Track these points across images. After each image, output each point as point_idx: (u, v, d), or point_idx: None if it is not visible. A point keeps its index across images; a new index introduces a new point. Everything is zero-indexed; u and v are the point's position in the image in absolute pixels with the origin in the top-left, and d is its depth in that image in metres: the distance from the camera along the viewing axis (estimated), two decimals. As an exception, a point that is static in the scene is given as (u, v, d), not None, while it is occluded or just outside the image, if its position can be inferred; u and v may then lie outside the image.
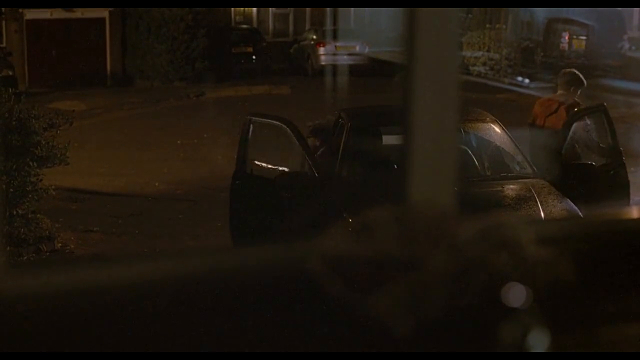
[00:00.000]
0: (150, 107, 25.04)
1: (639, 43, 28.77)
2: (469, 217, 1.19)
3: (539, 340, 1.12)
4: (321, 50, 31.37)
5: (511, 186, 9.16)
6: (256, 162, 9.34)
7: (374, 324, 1.10)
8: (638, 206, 1.45)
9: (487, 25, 30.62)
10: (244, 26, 33.98)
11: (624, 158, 9.57)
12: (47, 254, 10.37)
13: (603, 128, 9.57)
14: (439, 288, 1.10)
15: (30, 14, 28.47)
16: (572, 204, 8.93)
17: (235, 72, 29.50)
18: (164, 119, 22.62)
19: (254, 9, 35.38)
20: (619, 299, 1.27)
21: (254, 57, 31.21)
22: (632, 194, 9.54)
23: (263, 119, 9.59)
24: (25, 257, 10.15)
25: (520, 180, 9.28)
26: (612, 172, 9.52)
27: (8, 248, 10.02)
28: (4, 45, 28.15)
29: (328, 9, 34.16)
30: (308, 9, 35.72)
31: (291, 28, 35.85)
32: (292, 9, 35.77)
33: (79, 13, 29.07)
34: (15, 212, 10.27)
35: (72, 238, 11.08)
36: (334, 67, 29.31)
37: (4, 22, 28.30)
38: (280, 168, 9.23)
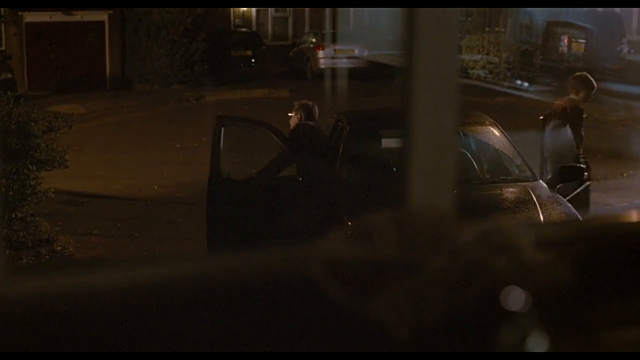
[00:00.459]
0: (149, 110, 25.05)
1: (638, 46, 28.79)
2: (468, 221, 1.19)
3: (538, 344, 1.12)
4: (320, 53, 31.38)
5: (510, 189, 9.16)
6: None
7: (373, 328, 1.10)
8: (637, 209, 1.45)
9: (486, 29, 30.62)
10: (243, 29, 33.99)
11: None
12: (46, 257, 10.37)
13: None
14: (438, 292, 1.10)
15: (30, 17, 28.47)
16: (571, 207, 8.94)
17: (234, 75, 29.50)
18: (163, 122, 22.62)
19: (253, 13, 35.38)
20: (619, 303, 1.27)
21: (253, 60, 31.22)
22: (633, 197, 9.61)
23: (239, 122, 9.59)
24: (24, 261, 10.14)
25: (519, 183, 9.28)
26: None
27: (7, 251, 10.02)
28: (3, 48, 28.15)
29: (327, 13, 34.17)
30: (307, 13, 35.73)
31: (290, 31, 35.86)
32: (291, 12, 35.78)
33: (78, 16, 29.07)
34: (14, 215, 10.28)
35: (71, 241, 11.08)
36: (334, 71, 29.33)
37: (3, 25, 28.31)
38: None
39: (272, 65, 31.45)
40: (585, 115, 10.06)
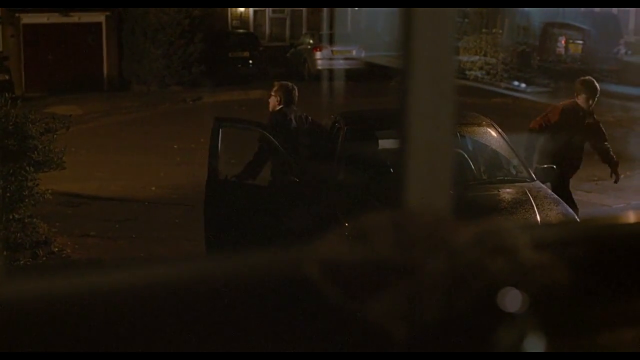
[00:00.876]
0: (146, 111, 25.04)
1: (635, 47, 28.81)
2: (465, 221, 1.19)
3: (534, 345, 1.12)
4: (318, 54, 31.39)
5: (507, 190, 9.16)
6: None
7: (370, 329, 1.10)
8: (635, 210, 1.45)
9: (484, 30, 30.64)
10: (241, 31, 33.98)
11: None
12: (44, 258, 10.37)
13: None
14: (435, 292, 1.10)
15: (27, 18, 28.46)
16: (568, 207, 8.95)
17: (232, 76, 29.49)
18: (160, 123, 22.62)
19: (251, 14, 35.38)
20: (616, 304, 1.27)
21: (250, 61, 31.21)
22: (630, 198, 9.66)
23: (237, 124, 9.59)
24: (21, 262, 10.14)
25: (516, 184, 9.28)
26: None
27: (4, 253, 10.02)
28: (0, 49, 28.13)
29: (325, 14, 34.18)
30: (305, 14, 35.73)
31: (288, 32, 35.86)
32: (288, 13, 35.78)
33: (75, 17, 29.05)
34: (11, 217, 10.27)
35: (69, 243, 11.07)
36: (331, 72, 29.34)
37: (0, 27, 28.30)
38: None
39: (269, 66, 31.44)
40: (590, 120, 10.04)
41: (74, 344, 1.08)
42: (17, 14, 28.11)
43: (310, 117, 9.86)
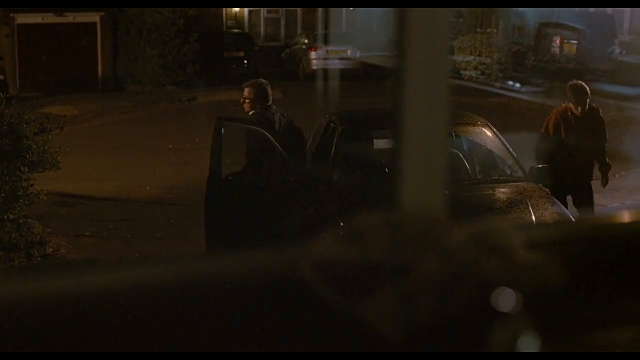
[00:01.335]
0: (142, 111, 25.03)
1: (630, 47, 28.83)
2: (460, 221, 1.19)
3: (529, 345, 1.12)
4: (313, 54, 31.40)
5: (502, 190, 9.17)
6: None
7: (365, 329, 1.10)
8: (630, 210, 1.46)
9: (479, 30, 30.66)
10: (236, 31, 33.98)
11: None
12: (39, 259, 10.35)
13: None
14: (429, 293, 1.10)
15: (22, 18, 28.42)
16: (563, 207, 8.96)
17: (227, 76, 29.47)
18: (155, 123, 22.61)
19: (246, 14, 35.37)
20: (611, 303, 1.27)
21: (245, 61, 31.20)
22: (625, 198, 9.65)
23: (237, 124, 9.56)
24: (16, 263, 10.13)
25: (511, 184, 9.29)
26: None
27: (-1, 253, 10.02)
28: (-5, 50, 28.14)
29: (320, 14, 34.18)
30: (300, 14, 35.73)
31: (283, 33, 35.87)
32: (283, 13, 35.77)
33: (70, 18, 29.03)
34: (6, 217, 10.26)
35: (64, 243, 11.06)
36: (326, 72, 29.35)
37: (-5, 27, 28.29)
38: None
39: (264, 66, 31.43)
40: (587, 122, 9.90)
41: (68, 344, 1.08)
42: (11, 14, 28.08)
43: (289, 116, 9.66)
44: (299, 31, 34.83)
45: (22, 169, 10.26)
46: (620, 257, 1.33)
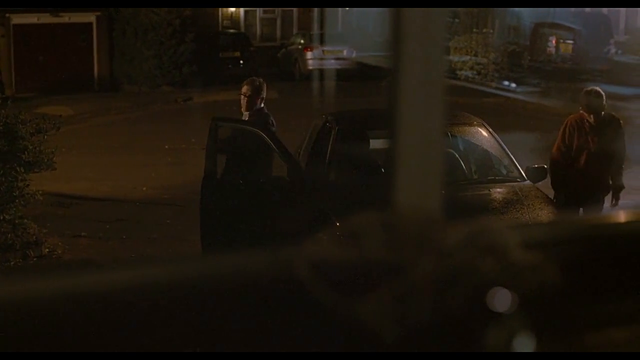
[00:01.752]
0: (137, 111, 25.02)
1: (625, 47, 28.87)
2: (456, 221, 1.19)
3: (524, 345, 1.12)
4: (309, 54, 31.41)
5: (498, 190, 9.18)
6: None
7: (360, 329, 1.10)
8: (625, 210, 1.45)
9: (474, 30, 30.68)
10: (232, 31, 33.98)
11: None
12: (35, 259, 10.34)
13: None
14: (425, 293, 1.10)
15: (17, 18, 28.39)
16: (559, 207, 8.97)
17: (222, 76, 29.47)
18: (151, 123, 22.60)
19: (242, 14, 35.38)
20: (607, 303, 1.27)
21: (241, 61, 31.20)
22: (622, 197, 9.56)
23: (233, 124, 9.55)
24: (12, 263, 10.12)
25: (507, 183, 9.30)
26: None
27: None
28: (-10, 50, 28.11)
29: (315, 14, 34.19)
30: (295, 14, 35.74)
31: (279, 33, 35.88)
32: (279, 13, 35.78)
33: (66, 18, 29.00)
34: (2, 218, 10.25)
35: (60, 243, 11.05)
36: (322, 72, 29.35)
37: (-10, 27, 28.27)
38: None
39: (260, 66, 31.43)
40: (604, 132, 9.26)
41: (64, 344, 1.08)
42: (7, 14, 28.05)
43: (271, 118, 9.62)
44: (295, 31, 34.84)
45: (18, 169, 10.25)
46: (616, 257, 1.33)
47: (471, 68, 28.94)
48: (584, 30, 28.51)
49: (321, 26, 33.70)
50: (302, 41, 32.29)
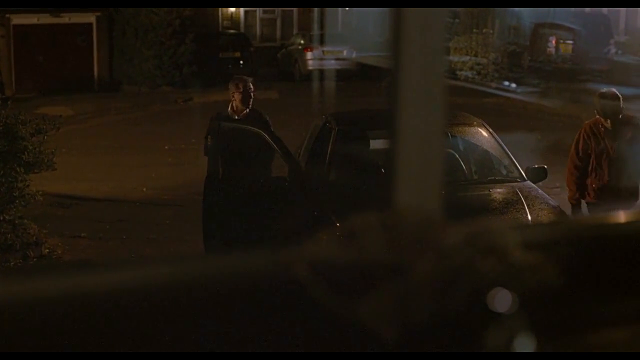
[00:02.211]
0: (137, 112, 25.01)
1: (625, 47, 28.86)
2: (456, 222, 1.19)
3: (524, 346, 1.12)
4: (309, 55, 31.40)
5: (498, 190, 9.18)
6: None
7: (360, 330, 1.10)
8: (626, 211, 1.45)
9: (474, 30, 30.68)
10: (232, 31, 33.98)
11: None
12: (35, 259, 10.34)
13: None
14: (425, 294, 1.10)
15: (17, 19, 28.40)
16: (559, 207, 8.97)
17: (222, 77, 29.37)
18: (151, 124, 22.60)
19: (242, 14, 35.38)
20: (607, 304, 1.27)
21: (241, 62, 31.19)
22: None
23: (234, 124, 9.55)
24: (12, 263, 10.12)
25: (507, 183, 9.30)
26: None
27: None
28: (-10, 50, 28.11)
29: (315, 14, 34.18)
30: (295, 14, 35.74)
31: (279, 33, 35.87)
32: (279, 13, 35.78)
33: (66, 18, 29.01)
34: (2, 218, 10.25)
35: (60, 244, 11.05)
36: (322, 72, 29.35)
37: (-10, 28, 28.27)
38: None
39: (260, 66, 31.43)
40: (622, 137, 8.70)
41: (64, 345, 1.08)
42: (7, 15, 28.06)
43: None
44: (295, 31, 34.84)
45: (18, 170, 10.25)
46: (616, 257, 1.33)
47: (471, 68, 28.94)
48: (584, 30, 28.50)
49: (321, 26, 33.69)
50: (302, 41, 32.28)
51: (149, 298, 1.15)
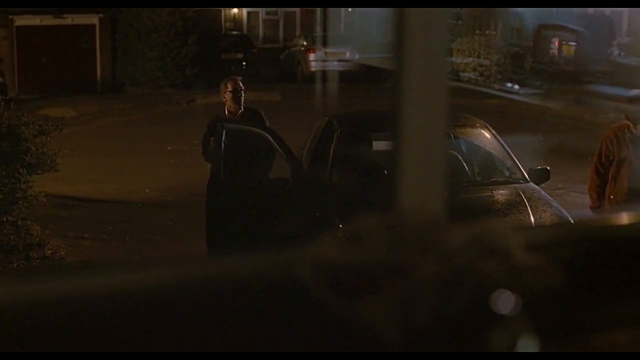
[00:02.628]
0: (140, 113, 25.01)
1: (628, 49, 28.84)
2: (459, 223, 1.19)
3: (528, 347, 1.12)
4: (311, 56, 31.40)
5: (501, 191, 9.17)
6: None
7: (363, 331, 1.10)
8: (628, 212, 1.45)
9: (477, 32, 30.68)
10: (234, 32, 33.99)
11: None
12: (37, 261, 10.34)
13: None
14: (427, 295, 1.10)
15: (20, 20, 28.42)
16: (562, 209, 8.95)
17: (225, 78, 29.44)
18: (154, 125, 22.59)
19: (244, 15, 35.38)
20: (609, 305, 1.27)
21: (244, 63, 31.20)
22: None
23: (236, 126, 9.55)
24: (15, 265, 10.12)
25: (510, 185, 9.29)
26: None
27: (-2, 255, 10.01)
28: (-7, 51, 28.14)
29: (318, 16, 34.19)
30: (298, 15, 35.74)
31: (281, 34, 35.88)
32: (282, 15, 35.78)
33: (69, 20, 29.03)
34: (5, 219, 10.25)
35: (62, 245, 11.05)
36: (324, 74, 29.34)
37: (-7, 29, 28.29)
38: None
39: (263, 68, 31.44)
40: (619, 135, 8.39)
41: (66, 346, 1.08)
42: (10, 16, 28.08)
43: None
44: (298, 33, 34.84)
45: (21, 171, 10.25)
46: (618, 259, 1.33)
47: (474, 70, 28.93)
48: (587, 31, 28.48)
49: (324, 28, 33.70)
50: (304, 43, 32.29)
51: (152, 299, 1.15)
